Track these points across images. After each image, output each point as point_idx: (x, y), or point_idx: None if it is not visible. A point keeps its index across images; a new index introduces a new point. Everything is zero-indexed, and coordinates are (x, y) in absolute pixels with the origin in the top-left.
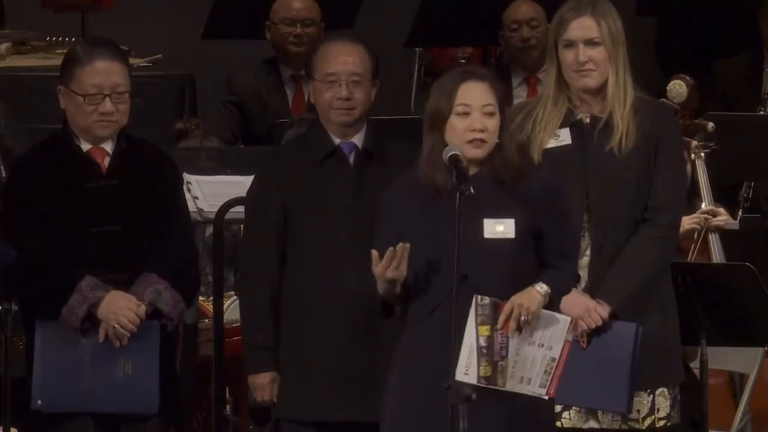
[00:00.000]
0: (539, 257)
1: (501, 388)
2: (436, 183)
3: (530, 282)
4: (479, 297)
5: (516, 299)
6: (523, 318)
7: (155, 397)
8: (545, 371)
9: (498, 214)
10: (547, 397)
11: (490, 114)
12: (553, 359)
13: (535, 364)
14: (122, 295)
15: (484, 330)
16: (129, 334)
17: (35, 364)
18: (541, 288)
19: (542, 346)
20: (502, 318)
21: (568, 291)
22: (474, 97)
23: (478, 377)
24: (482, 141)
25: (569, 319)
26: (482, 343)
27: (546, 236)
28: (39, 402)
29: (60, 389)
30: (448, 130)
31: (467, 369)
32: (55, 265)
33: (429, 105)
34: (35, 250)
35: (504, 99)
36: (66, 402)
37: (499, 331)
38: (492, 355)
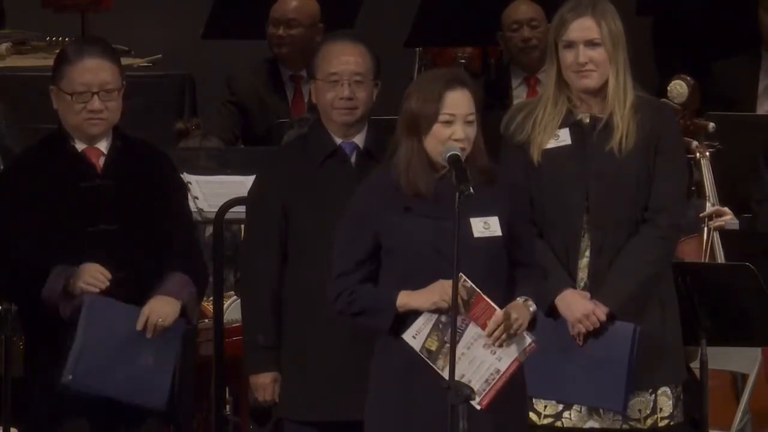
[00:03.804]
0: (511, 250)
1: (438, 371)
2: (418, 188)
3: (505, 280)
4: (464, 278)
5: (513, 312)
6: (512, 331)
7: (166, 393)
8: (486, 380)
9: (482, 213)
10: (479, 407)
11: (471, 123)
12: (498, 371)
13: (481, 367)
14: (92, 265)
15: None
16: (98, 289)
17: (77, 338)
18: (532, 307)
19: (494, 353)
20: (491, 326)
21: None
22: (459, 106)
23: (422, 347)
24: (462, 149)
25: (531, 342)
26: (442, 319)
27: (519, 233)
28: (69, 377)
29: (91, 369)
30: (430, 137)
31: (417, 334)
32: (31, 258)
33: (410, 108)
34: (22, 250)
35: (479, 102)
36: (93, 383)
37: (463, 318)
38: (445, 334)
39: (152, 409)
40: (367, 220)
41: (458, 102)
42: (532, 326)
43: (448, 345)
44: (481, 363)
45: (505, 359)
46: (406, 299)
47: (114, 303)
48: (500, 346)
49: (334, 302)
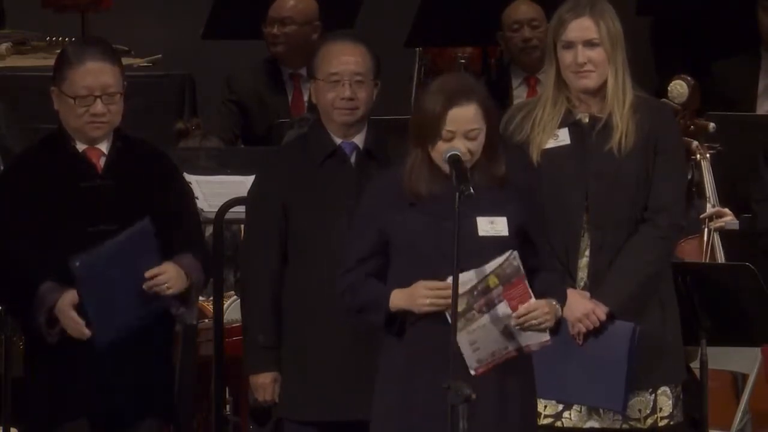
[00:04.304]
0: (526, 256)
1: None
2: (419, 194)
3: None
4: (514, 255)
5: (546, 306)
6: (537, 322)
7: (110, 337)
8: (492, 353)
9: (490, 212)
10: (473, 373)
11: (473, 138)
12: (506, 348)
13: (493, 341)
14: (70, 299)
15: (493, 281)
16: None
17: (115, 241)
18: (558, 311)
19: (510, 334)
20: (522, 310)
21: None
22: (460, 123)
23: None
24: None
25: (548, 338)
26: (479, 286)
27: (534, 238)
28: (77, 263)
29: (97, 271)
30: (435, 150)
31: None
32: (31, 260)
33: (415, 121)
34: (22, 250)
35: (491, 112)
36: (86, 280)
37: (499, 293)
38: (474, 302)
39: (95, 344)
40: (372, 216)
41: (459, 118)
42: (555, 329)
43: (473, 311)
44: (496, 338)
45: (517, 342)
46: (394, 300)
47: (152, 248)
48: (521, 330)
49: (341, 298)
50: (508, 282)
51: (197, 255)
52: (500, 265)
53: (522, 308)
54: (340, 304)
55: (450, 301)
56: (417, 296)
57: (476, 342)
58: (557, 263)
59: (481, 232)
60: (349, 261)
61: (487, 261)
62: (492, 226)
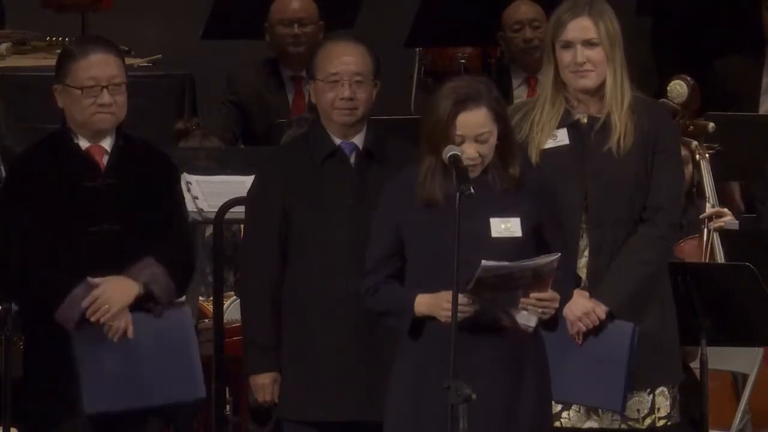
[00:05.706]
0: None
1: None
2: (435, 199)
3: None
4: (558, 258)
5: (555, 302)
6: (542, 308)
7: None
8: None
9: (504, 213)
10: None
11: (484, 141)
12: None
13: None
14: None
15: (528, 274)
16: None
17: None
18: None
19: (517, 303)
20: (538, 295)
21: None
22: (470, 127)
23: (484, 273)
24: (473, 167)
25: (531, 327)
26: (513, 275)
27: (548, 238)
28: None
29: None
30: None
31: (492, 264)
32: (47, 266)
33: (426, 125)
34: (29, 250)
35: (502, 114)
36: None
37: (524, 285)
38: (503, 281)
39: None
40: (389, 218)
41: (469, 123)
42: (553, 327)
43: (491, 287)
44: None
45: (513, 314)
46: (419, 306)
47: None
48: (521, 306)
49: (363, 300)
50: (540, 278)
51: (163, 256)
52: (543, 264)
53: (539, 294)
54: (365, 304)
55: (472, 313)
56: (440, 307)
57: (496, 265)
58: (572, 264)
59: (494, 233)
60: (370, 263)
61: (499, 261)
62: (505, 227)
